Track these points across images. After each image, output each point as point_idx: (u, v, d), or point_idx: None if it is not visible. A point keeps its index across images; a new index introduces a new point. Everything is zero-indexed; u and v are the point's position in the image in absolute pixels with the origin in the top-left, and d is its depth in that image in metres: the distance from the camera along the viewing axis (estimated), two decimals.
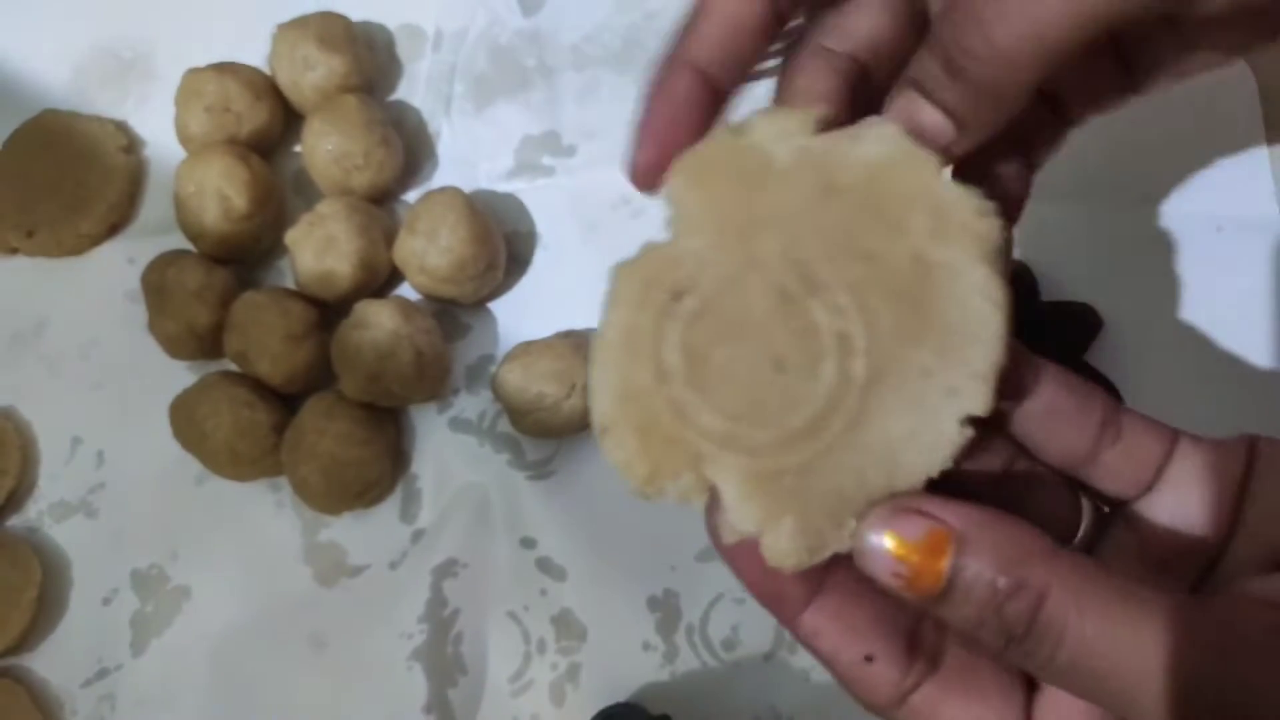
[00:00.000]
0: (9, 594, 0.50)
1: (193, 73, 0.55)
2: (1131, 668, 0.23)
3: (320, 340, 0.51)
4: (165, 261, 0.52)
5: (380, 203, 0.55)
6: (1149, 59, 0.34)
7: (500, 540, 0.50)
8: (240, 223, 0.52)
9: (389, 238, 0.52)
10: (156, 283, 0.52)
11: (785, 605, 0.28)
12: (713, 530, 0.27)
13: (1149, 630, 0.23)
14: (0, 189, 0.57)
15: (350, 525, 0.51)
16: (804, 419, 0.26)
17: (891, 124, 0.27)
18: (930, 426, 0.26)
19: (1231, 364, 0.49)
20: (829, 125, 0.28)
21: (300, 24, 0.55)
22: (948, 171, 0.28)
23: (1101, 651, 0.23)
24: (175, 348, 0.53)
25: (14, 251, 0.57)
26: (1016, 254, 0.34)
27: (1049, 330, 0.48)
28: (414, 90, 0.58)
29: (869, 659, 0.27)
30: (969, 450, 0.26)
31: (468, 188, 0.53)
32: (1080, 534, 0.29)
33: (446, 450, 0.52)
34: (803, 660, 0.47)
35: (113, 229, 0.57)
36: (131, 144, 0.58)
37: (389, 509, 0.51)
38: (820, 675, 0.46)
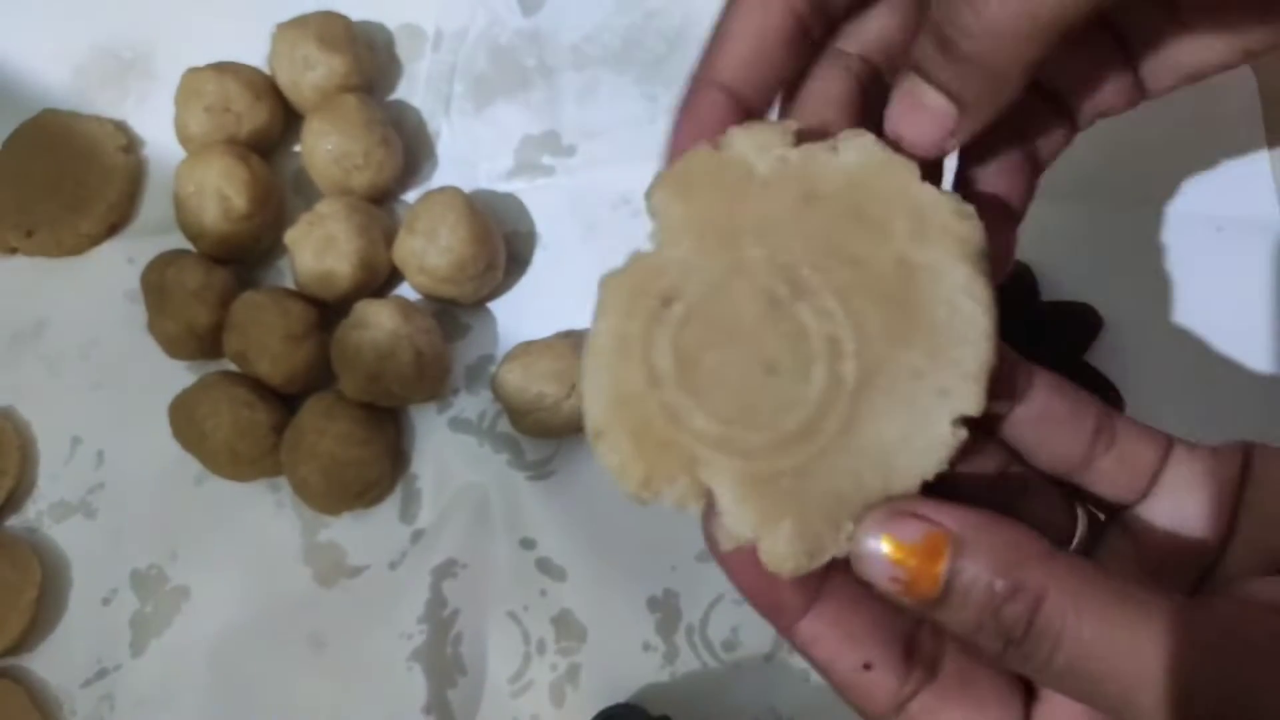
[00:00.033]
0: (8, 594, 0.50)
1: (192, 72, 0.54)
2: (1130, 670, 0.23)
3: (320, 340, 0.51)
4: (165, 261, 0.52)
5: (380, 202, 0.55)
6: (1155, 59, 0.34)
7: (500, 540, 0.50)
8: (240, 222, 0.52)
9: (389, 238, 0.52)
10: (156, 282, 0.52)
11: (783, 612, 0.28)
12: (709, 537, 0.27)
13: (1147, 632, 0.23)
14: (0, 189, 0.57)
15: (350, 525, 0.51)
16: (797, 421, 0.26)
17: (869, 134, 0.28)
18: (923, 428, 0.26)
19: (1232, 364, 0.49)
20: (809, 136, 0.28)
21: (300, 24, 0.54)
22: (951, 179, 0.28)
23: (1099, 654, 0.23)
24: (175, 348, 0.53)
25: (13, 251, 0.57)
26: (1017, 254, 0.34)
27: (1049, 330, 0.48)
28: (414, 90, 0.58)
29: (867, 666, 0.27)
30: (964, 454, 0.26)
31: (467, 187, 0.53)
32: (1076, 540, 0.29)
33: (446, 450, 0.52)
34: (803, 661, 0.46)
35: (112, 229, 0.57)
36: (131, 144, 0.58)
37: (388, 509, 0.51)
38: (820, 677, 0.45)
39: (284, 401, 0.52)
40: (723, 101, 0.30)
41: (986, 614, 0.24)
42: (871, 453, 0.26)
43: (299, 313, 0.51)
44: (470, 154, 0.57)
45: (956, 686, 0.27)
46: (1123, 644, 0.23)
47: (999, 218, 0.32)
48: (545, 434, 0.50)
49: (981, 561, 0.24)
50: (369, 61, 0.56)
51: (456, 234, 0.50)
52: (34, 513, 0.53)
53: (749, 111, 0.30)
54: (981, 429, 0.27)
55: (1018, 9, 0.26)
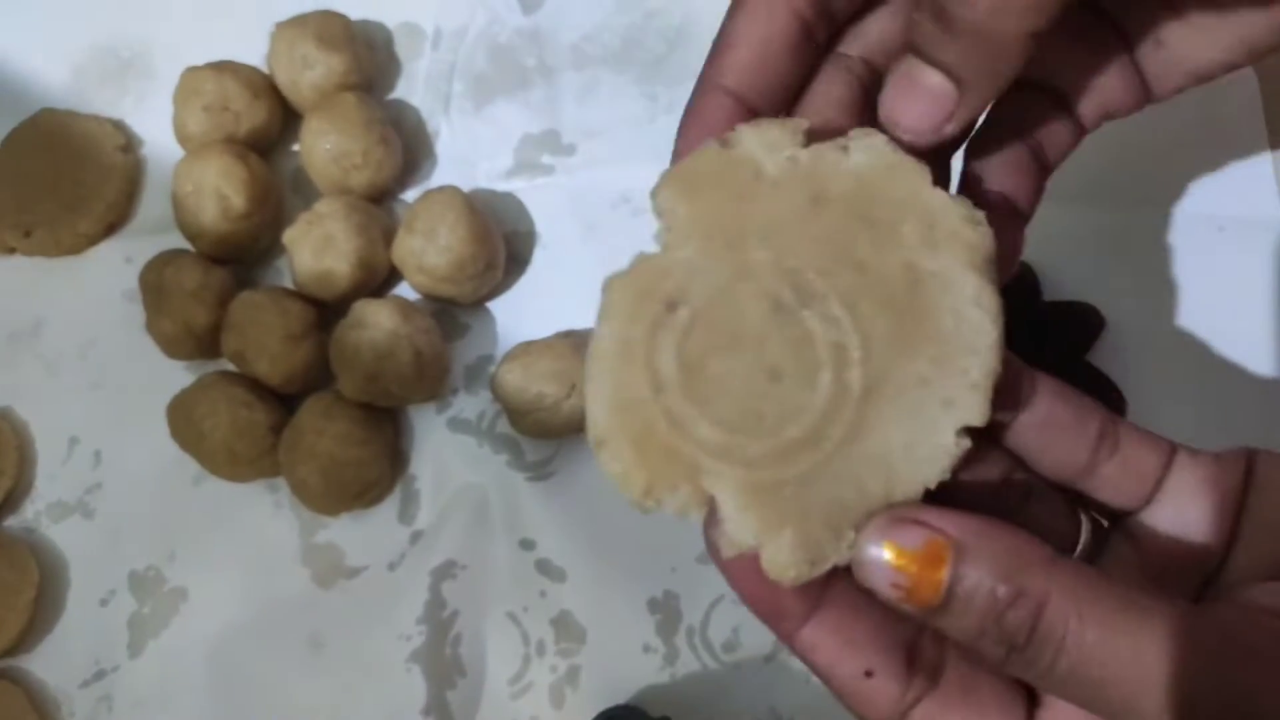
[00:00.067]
0: (6, 595, 0.50)
1: (191, 71, 0.54)
2: (1132, 676, 0.23)
3: (318, 340, 0.51)
4: (163, 261, 0.52)
5: (379, 202, 0.55)
6: (1160, 58, 0.33)
7: (499, 541, 0.50)
8: (238, 222, 0.52)
9: (388, 237, 0.52)
10: (154, 282, 0.52)
11: (784, 620, 0.27)
12: (711, 544, 0.27)
13: (1150, 637, 0.23)
14: None
15: (348, 526, 0.51)
16: (801, 429, 0.26)
17: (880, 134, 0.27)
18: (927, 437, 0.26)
19: (1233, 364, 0.49)
20: (818, 136, 0.28)
21: (299, 22, 0.54)
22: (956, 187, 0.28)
23: (1102, 659, 0.23)
24: (173, 347, 0.52)
25: (11, 251, 0.57)
26: None
27: (1051, 330, 0.48)
28: (413, 89, 0.58)
29: (868, 674, 0.27)
30: (966, 461, 0.26)
31: (467, 187, 0.53)
32: (1080, 547, 0.29)
33: (445, 451, 0.52)
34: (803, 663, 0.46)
35: (110, 228, 0.57)
36: (129, 143, 0.58)
37: (387, 510, 0.51)
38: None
39: (282, 401, 0.51)
40: (729, 106, 0.29)
41: (989, 620, 0.24)
42: (875, 460, 0.26)
43: (297, 312, 0.50)
44: (470, 153, 0.56)
45: (959, 694, 0.27)
46: (1125, 650, 0.23)
47: (1006, 218, 0.32)
48: (545, 434, 0.50)
49: (983, 567, 0.24)
50: (368, 60, 0.56)
51: (456, 233, 0.50)
52: (32, 513, 0.53)
53: (755, 116, 0.29)
54: (985, 437, 0.26)
55: None
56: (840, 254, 0.27)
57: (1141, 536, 0.28)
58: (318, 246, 0.50)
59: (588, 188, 0.55)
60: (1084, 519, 0.29)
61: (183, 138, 0.55)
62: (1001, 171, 0.33)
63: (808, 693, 0.46)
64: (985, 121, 0.33)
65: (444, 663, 0.48)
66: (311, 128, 0.53)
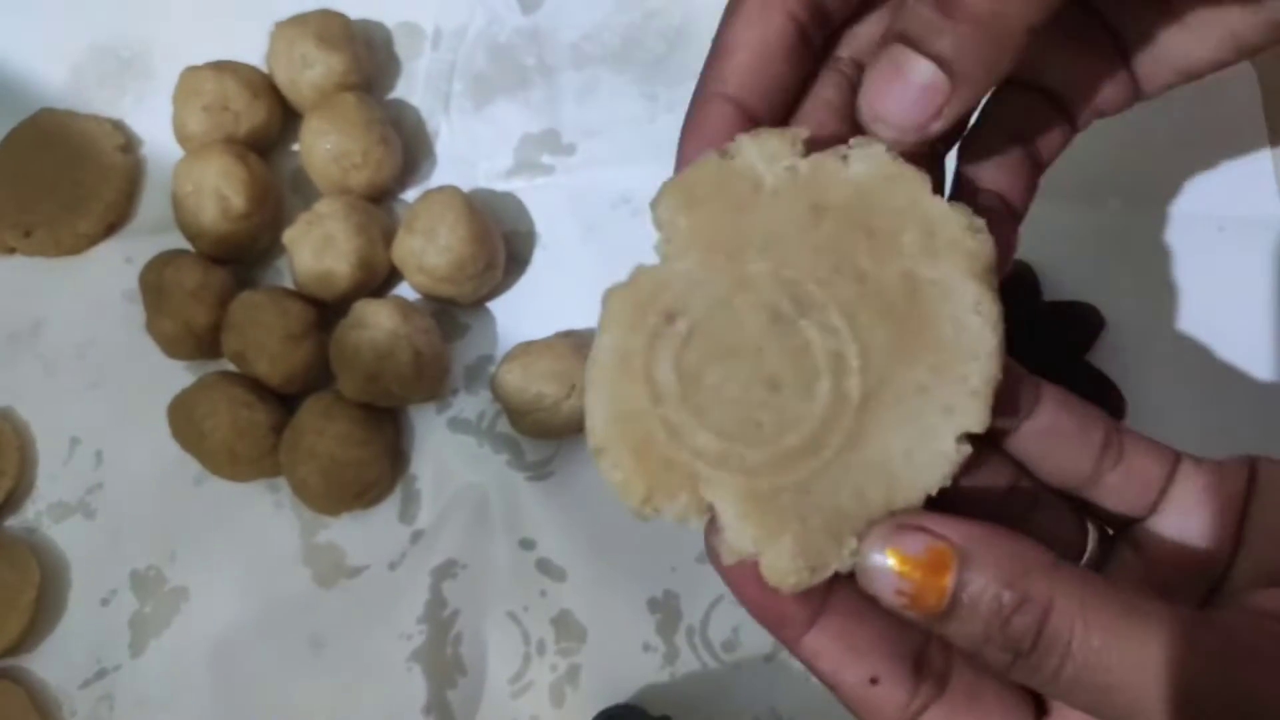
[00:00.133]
0: (7, 595, 0.50)
1: (190, 71, 0.54)
2: (1137, 680, 0.23)
3: (319, 340, 0.51)
4: (163, 261, 0.52)
5: (379, 202, 0.55)
6: (1150, 56, 0.34)
7: (499, 541, 0.50)
8: (238, 222, 0.52)
9: (387, 237, 0.52)
10: (154, 282, 0.52)
11: (787, 626, 0.27)
12: (712, 551, 0.27)
13: (1154, 642, 0.23)
14: None
15: (349, 526, 0.51)
16: (800, 438, 0.26)
17: (880, 143, 0.27)
18: (928, 444, 0.26)
19: (1233, 364, 0.49)
20: (818, 144, 0.28)
21: (298, 22, 0.54)
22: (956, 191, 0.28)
23: (1107, 664, 0.23)
24: (173, 347, 0.52)
25: (11, 251, 0.57)
26: (1018, 254, 0.34)
27: (1051, 330, 0.48)
28: (413, 89, 0.58)
29: (874, 681, 0.27)
30: (968, 468, 0.26)
31: (467, 186, 0.53)
32: (1087, 555, 0.29)
33: (445, 451, 0.52)
34: None
35: (110, 228, 0.57)
36: (129, 143, 0.58)
37: (388, 510, 0.51)
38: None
39: (283, 401, 0.51)
40: (730, 113, 0.29)
41: (994, 626, 0.24)
42: (875, 468, 0.26)
43: (297, 312, 0.50)
44: (469, 153, 0.56)
45: (965, 701, 0.27)
46: (1129, 654, 0.23)
47: (1000, 216, 0.32)
48: (545, 434, 0.50)
49: (988, 573, 0.24)
50: (368, 60, 0.56)
51: (455, 233, 0.49)
52: (33, 513, 0.53)
53: (756, 122, 0.29)
54: (989, 445, 0.27)
55: None
56: (840, 263, 0.27)
57: (1147, 545, 0.28)
58: (318, 246, 0.50)
59: (588, 187, 0.55)
60: (1090, 528, 0.29)
61: (182, 138, 0.55)
62: (994, 170, 0.33)
63: (808, 692, 0.46)
64: (977, 120, 0.33)
65: (444, 662, 0.49)
66: (311, 127, 0.53)
